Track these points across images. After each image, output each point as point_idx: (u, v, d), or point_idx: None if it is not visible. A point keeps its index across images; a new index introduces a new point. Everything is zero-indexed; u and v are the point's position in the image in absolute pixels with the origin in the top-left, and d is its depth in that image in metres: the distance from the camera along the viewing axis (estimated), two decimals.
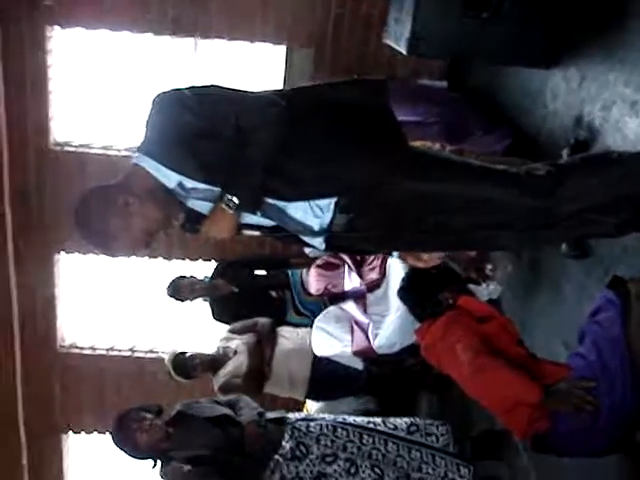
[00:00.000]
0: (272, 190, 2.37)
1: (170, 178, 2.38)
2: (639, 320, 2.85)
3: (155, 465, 3.94)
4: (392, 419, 4.19)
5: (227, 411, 4.11)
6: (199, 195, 2.41)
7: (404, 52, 4.06)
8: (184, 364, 5.09)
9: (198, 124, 2.31)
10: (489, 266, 4.45)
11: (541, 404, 2.93)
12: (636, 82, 3.27)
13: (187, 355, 5.11)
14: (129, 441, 3.90)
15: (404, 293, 3.71)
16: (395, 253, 2.98)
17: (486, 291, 4.42)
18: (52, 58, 5.68)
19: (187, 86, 2.42)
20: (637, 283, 2.95)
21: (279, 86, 5.56)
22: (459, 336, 3.24)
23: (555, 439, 3.03)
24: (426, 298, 3.51)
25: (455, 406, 4.79)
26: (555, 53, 4.02)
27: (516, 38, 4.02)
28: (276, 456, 3.89)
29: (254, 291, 5.64)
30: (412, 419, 4.22)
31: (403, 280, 3.74)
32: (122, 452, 3.97)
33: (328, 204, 2.44)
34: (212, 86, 2.45)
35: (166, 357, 5.22)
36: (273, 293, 5.64)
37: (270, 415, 4.14)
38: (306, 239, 2.58)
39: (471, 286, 4.27)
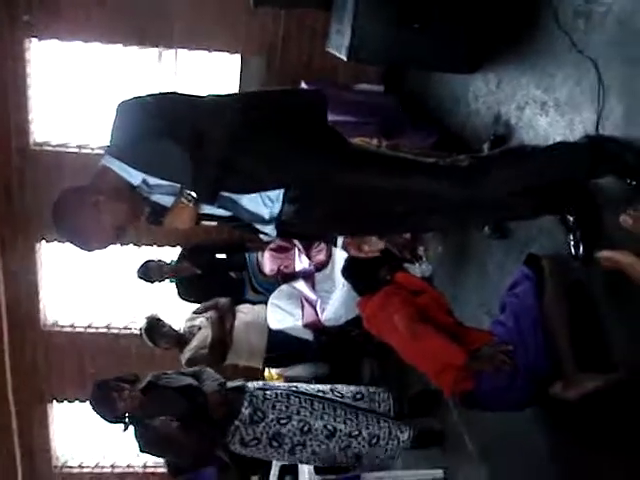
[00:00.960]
0: (226, 184, 2.34)
1: (135, 176, 2.32)
2: (552, 293, 2.90)
3: (126, 429, 3.91)
4: (339, 387, 4.21)
5: (192, 381, 4.08)
6: (162, 190, 2.37)
7: (344, 59, 4.03)
8: (153, 329, 5.06)
9: (158, 127, 2.26)
10: (421, 248, 4.48)
11: (466, 366, 2.95)
12: (545, 85, 3.29)
13: (160, 323, 5.07)
14: (108, 407, 3.87)
15: (347, 272, 3.71)
16: (339, 244, 2.97)
17: (419, 270, 4.45)
18: (31, 67, 5.56)
19: (148, 93, 2.37)
20: (549, 261, 2.99)
21: (235, 90, 5.51)
22: (396, 307, 3.24)
23: (479, 396, 3.06)
24: (366, 275, 3.50)
25: (394, 370, 4.81)
26: (476, 60, 4.04)
27: (443, 47, 4.03)
28: (236, 422, 3.88)
29: (215, 272, 5.63)
30: (358, 388, 4.24)
31: (346, 260, 3.73)
32: (98, 416, 3.94)
33: (277, 195, 2.42)
34: (171, 92, 2.41)
35: (146, 317, 5.20)
36: (232, 274, 5.63)
37: (230, 384, 4.13)
38: (259, 227, 2.56)
39: (406, 265, 4.29)
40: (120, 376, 4.03)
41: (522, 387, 2.96)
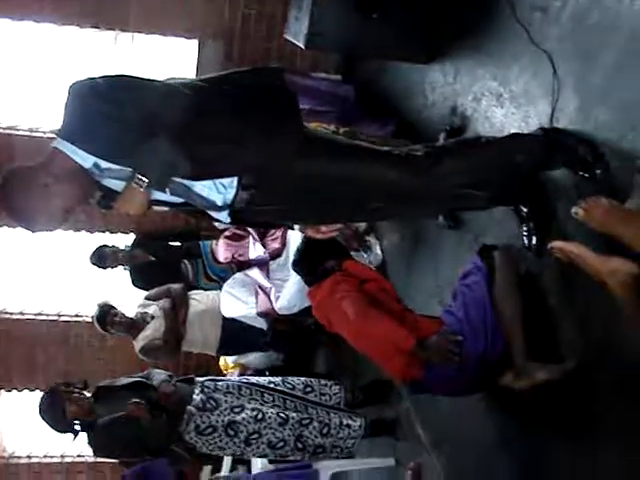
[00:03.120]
0: (178, 170, 2.30)
1: (86, 159, 2.29)
2: (502, 284, 2.94)
3: (76, 437, 3.87)
4: (290, 379, 4.23)
5: (141, 379, 4.07)
6: (113, 174, 2.34)
7: (302, 46, 4.02)
8: (105, 315, 5.01)
9: (109, 110, 2.22)
10: (372, 237, 4.49)
11: (415, 353, 2.97)
12: (501, 77, 3.32)
13: (112, 310, 5.02)
14: (58, 412, 3.82)
15: (296, 265, 3.71)
16: (296, 226, 2.98)
17: (368, 260, 4.47)
18: None
19: (100, 75, 2.33)
20: (500, 252, 3.03)
21: (191, 76, 5.46)
22: (344, 293, 3.24)
23: (428, 383, 3.10)
24: (315, 266, 3.51)
25: (347, 359, 4.83)
26: (434, 50, 4.05)
27: (401, 37, 4.04)
28: (189, 407, 3.87)
29: (169, 260, 5.59)
30: (308, 380, 4.26)
31: (295, 253, 3.73)
32: (47, 424, 3.88)
33: (231, 181, 2.40)
34: (123, 75, 2.37)
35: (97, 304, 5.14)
36: (186, 261, 5.59)
37: (179, 378, 4.15)
38: (212, 213, 2.54)
39: (355, 254, 4.32)
40: (68, 381, 4.00)
41: (471, 375, 3.00)
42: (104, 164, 2.31)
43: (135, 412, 3.75)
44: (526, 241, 2.94)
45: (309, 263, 3.58)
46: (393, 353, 3.05)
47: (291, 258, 4.58)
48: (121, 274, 5.69)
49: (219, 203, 2.45)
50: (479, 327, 2.94)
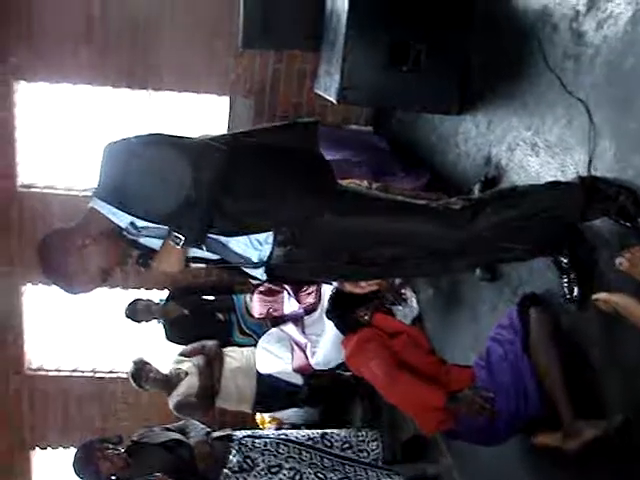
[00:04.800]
0: (214, 227, 2.31)
1: (123, 219, 2.31)
2: (539, 342, 2.92)
3: None
4: (329, 435, 4.17)
5: (177, 436, 4.03)
6: (150, 233, 2.35)
7: (334, 101, 4.04)
8: (139, 372, 5.00)
9: (144, 169, 2.24)
10: (404, 291, 4.46)
11: (447, 407, 3.00)
12: (536, 126, 3.29)
13: (147, 367, 5.01)
14: (91, 469, 3.79)
15: (329, 313, 3.73)
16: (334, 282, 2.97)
17: (403, 313, 4.43)
18: (18, 109, 5.55)
19: (134, 135, 2.35)
20: (537, 311, 3.00)
21: (223, 132, 5.52)
22: (372, 353, 3.29)
23: (462, 433, 3.16)
24: (347, 315, 3.53)
25: (386, 412, 4.75)
26: (466, 101, 4.04)
27: (432, 89, 4.04)
28: (225, 470, 3.81)
29: (203, 314, 5.58)
30: (347, 436, 4.18)
31: (328, 302, 3.73)
32: None
33: (266, 238, 2.40)
34: (157, 134, 2.39)
35: (132, 360, 5.14)
36: (220, 316, 5.58)
37: (217, 434, 4.09)
38: (248, 270, 2.52)
39: (392, 308, 4.30)
40: (104, 437, 3.98)
41: (504, 429, 3.01)
42: (140, 223, 2.32)
43: None
44: (567, 292, 2.88)
45: (341, 312, 3.60)
46: (424, 409, 3.08)
47: None
48: (155, 328, 5.70)
49: (255, 260, 2.44)
50: (510, 391, 2.95)
